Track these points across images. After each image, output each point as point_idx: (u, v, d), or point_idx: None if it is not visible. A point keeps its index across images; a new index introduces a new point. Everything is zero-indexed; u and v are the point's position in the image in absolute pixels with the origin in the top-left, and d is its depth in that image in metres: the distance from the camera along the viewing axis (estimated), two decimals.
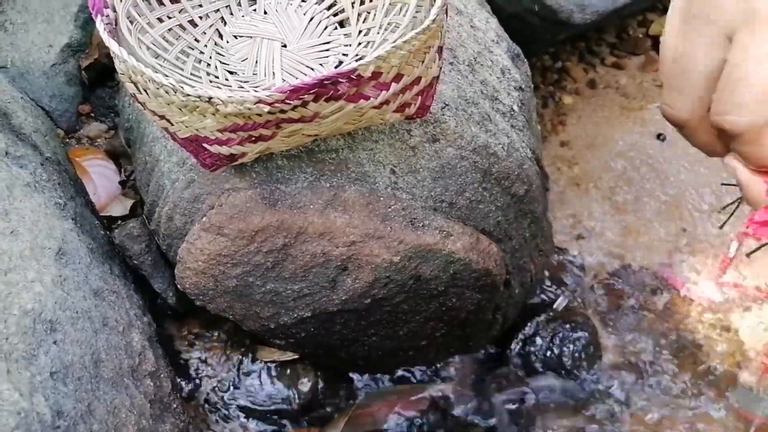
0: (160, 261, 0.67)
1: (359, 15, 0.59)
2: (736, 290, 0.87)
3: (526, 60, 0.85)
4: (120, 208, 0.70)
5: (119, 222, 0.69)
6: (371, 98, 0.48)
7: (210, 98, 0.44)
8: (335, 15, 0.60)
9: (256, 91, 0.54)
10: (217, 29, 0.59)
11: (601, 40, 1.23)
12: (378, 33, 0.56)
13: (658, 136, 1.09)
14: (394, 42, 0.45)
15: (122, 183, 0.76)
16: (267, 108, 0.45)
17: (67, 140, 0.82)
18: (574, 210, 1.03)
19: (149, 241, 0.66)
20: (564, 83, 1.20)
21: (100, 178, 0.78)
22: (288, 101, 0.45)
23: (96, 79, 0.83)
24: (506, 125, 0.71)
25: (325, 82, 0.44)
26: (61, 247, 0.57)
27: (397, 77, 0.48)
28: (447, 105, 0.63)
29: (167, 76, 0.44)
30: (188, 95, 0.44)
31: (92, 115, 0.84)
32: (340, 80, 0.45)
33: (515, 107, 0.74)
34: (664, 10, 1.24)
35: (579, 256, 0.96)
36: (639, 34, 1.23)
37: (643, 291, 0.92)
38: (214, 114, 0.46)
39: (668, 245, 0.96)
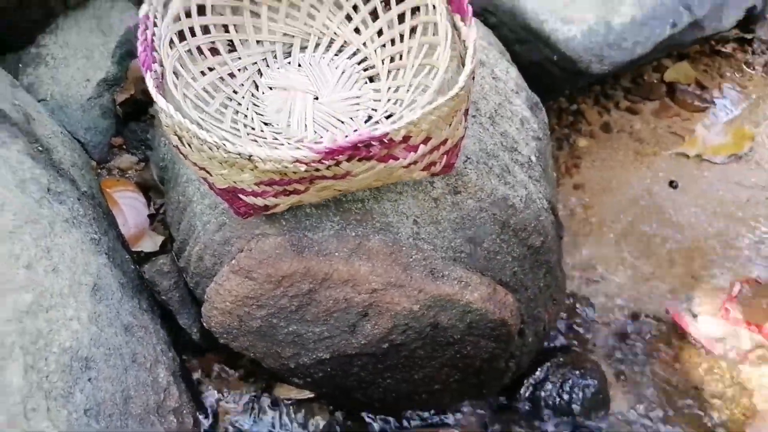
0: (187, 297, 0.69)
1: (389, 72, 0.61)
2: (739, 329, 0.88)
3: (543, 108, 0.87)
4: (150, 244, 0.73)
5: (151, 257, 0.71)
6: (401, 159, 0.50)
7: (250, 156, 0.47)
8: (366, 70, 0.63)
9: (289, 143, 0.57)
10: (254, 81, 0.62)
11: (617, 84, 1.26)
12: (407, 92, 0.58)
13: (671, 183, 1.11)
14: (423, 108, 0.48)
15: (151, 216, 0.79)
16: (303, 167, 0.47)
17: (99, 171, 0.85)
18: (586, 253, 1.04)
19: (178, 277, 0.68)
20: (579, 126, 1.22)
21: (130, 209, 0.81)
22: (323, 161, 0.47)
23: (130, 113, 0.86)
24: (524, 176, 0.73)
25: (359, 144, 0.47)
26: (96, 283, 0.60)
27: (426, 140, 0.50)
28: (469, 158, 0.66)
29: (210, 132, 0.47)
30: (230, 152, 0.47)
31: (124, 147, 0.87)
32: (373, 143, 0.48)
33: (533, 157, 0.77)
34: (679, 57, 1.27)
35: (590, 300, 0.97)
36: (654, 79, 1.25)
37: (653, 338, 0.93)
38: (252, 169, 0.49)
39: (678, 292, 0.98)
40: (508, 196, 0.68)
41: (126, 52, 0.86)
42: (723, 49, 1.27)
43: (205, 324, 0.64)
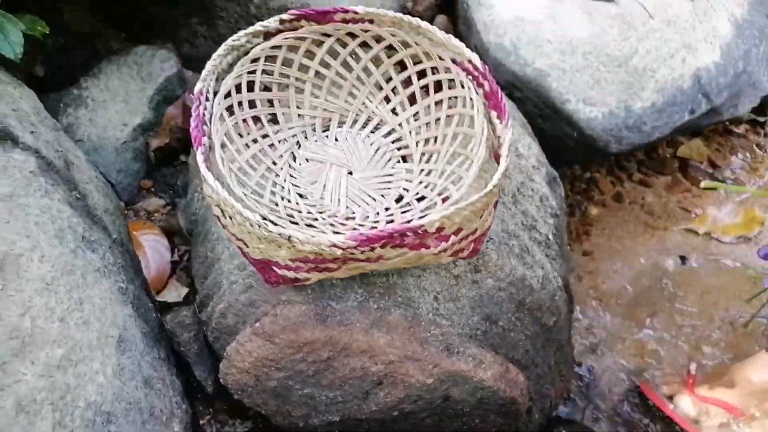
0: (204, 350, 0.70)
1: (422, 154, 0.64)
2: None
3: (561, 183, 0.90)
4: (175, 294, 0.74)
5: (173, 307, 0.73)
6: (432, 247, 0.53)
7: (289, 237, 0.49)
8: (399, 149, 0.66)
9: (323, 218, 0.59)
10: (292, 152, 0.64)
11: (631, 156, 1.29)
12: (439, 179, 0.61)
13: (681, 258, 1.13)
14: (458, 204, 0.50)
15: (174, 263, 0.81)
16: (339, 252, 0.49)
17: (127, 211, 0.87)
18: (593, 322, 1.06)
19: (197, 330, 0.70)
20: (592, 194, 1.24)
21: (153, 252, 0.82)
22: (359, 248, 0.49)
23: (162, 159, 0.89)
24: (542, 256, 0.75)
25: (394, 234, 0.49)
26: (121, 335, 0.61)
27: (457, 231, 0.53)
28: (491, 238, 0.68)
29: (253, 211, 0.49)
30: (270, 232, 0.49)
31: (152, 189, 0.89)
32: (408, 234, 0.50)
33: (550, 236, 0.79)
34: (693, 134, 1.30)
35: (595, 371, 0.98)
36: (667, 154, 1.28)
37: (655, 412, 0.94)
38: (289, 248, 0.51)
39: (679, 368, 0.99)
40: (526, 276, 0.70)
41: (163, 99, 0.90)
42: (736, 130, 1.31)
43: (221, 380, 0.66)
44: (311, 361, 0.63)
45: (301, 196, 0.62)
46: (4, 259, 0.53)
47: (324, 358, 0.62)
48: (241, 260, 0.65)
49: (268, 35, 0.58)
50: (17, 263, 0.54)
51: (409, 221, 0.57)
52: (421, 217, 0.58)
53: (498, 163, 0.55)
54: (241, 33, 0.56)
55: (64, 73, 0.88)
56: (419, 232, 0.50)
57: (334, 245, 0.49)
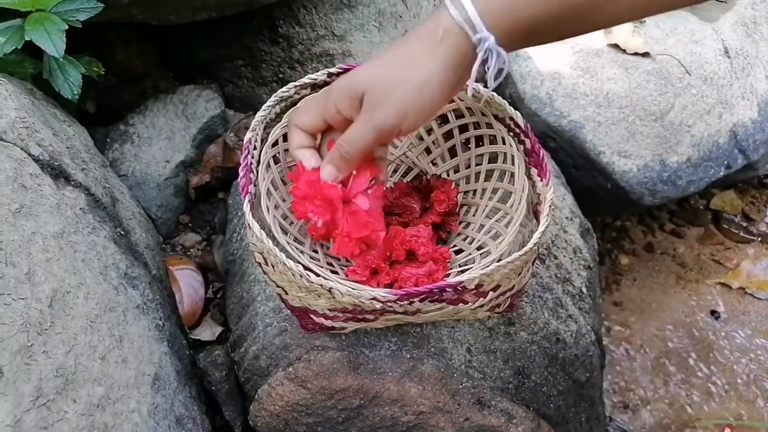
0: (234, 390, 0.71)
1: (461, 206, 0.65)
2: None
3: (594, 234, 0.90)
4: (209, 333, 0.75)
5: (206, 345, 0.74)
6: (470, 303, 0.53)
7: (330, 289, 0.50)
8: None
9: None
10: None
11: (663, 206, 1.27)
12: (478, 233, 0.61)
13: (712, 313, 1.11)
14: (499, 263, 0.50)
15: (208, 299, 0.82)
16: (379, 305, 0.50)
17: (164, 246, 0.89)
18: (622, 375, 1.04)
19: (229, 370, 0.71)
20: (622, 242, 1.24)
21: (188, 287, 0.84)
22: (399, 302, 0.50)
23: (200, 195, 0.91)
24: (575, 309, 0.74)
25: (434, 290, 0.50)
26: (156, 373, 0.62)
27: (496, 287, 0.53)
28: (525, 291, 0.68)
29: (296, 262, 0.50)
30: (312, 282, 0.50)
31: (190, 225, 0.91)
32: (447, 289, 0.50)
33: (584, 288, 0.78)
34: (726, 186, 1.27)
35: (625, 429, 0.96)
36: (700, 205, 1.27)
37: None
38: (329, 298, 0.51)
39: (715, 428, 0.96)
40: (559, 331, 0.69)
41: (205, 138, 0.92)
42: None
43: (251, 422, 0.66)
44: (342, 408, 0.62)
45: None
46: (54, 296, 0.54)
47: (355, 406, 0.62)
48: (276, 303, 0.66)
49: (315, 87, 0.59)
50: (65, 300, 0.55)
51: (447, 275, 0.58)
52: (459, 272, 0.58)
53: (536, 219, 0.56)
54: (291, 85, 0.58)
55: (113, 109, 0.91)
56: (458, 288, 0.50)
57: (374, 298, 0.49)
